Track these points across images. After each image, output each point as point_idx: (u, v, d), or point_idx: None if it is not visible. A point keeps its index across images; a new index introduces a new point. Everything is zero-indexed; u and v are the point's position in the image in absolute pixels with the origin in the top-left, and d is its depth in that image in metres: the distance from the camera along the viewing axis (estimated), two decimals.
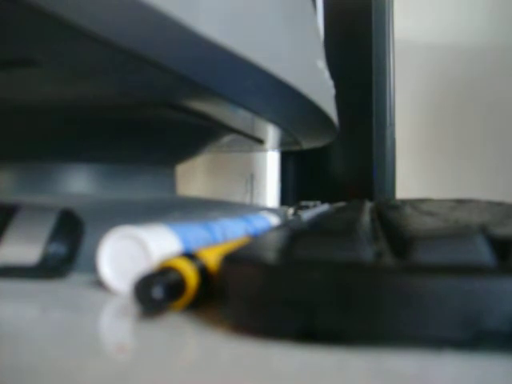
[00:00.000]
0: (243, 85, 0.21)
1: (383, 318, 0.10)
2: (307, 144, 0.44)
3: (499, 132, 0.82)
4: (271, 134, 0.37)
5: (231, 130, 0.32)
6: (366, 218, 0.21)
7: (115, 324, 0.13)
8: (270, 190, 0.63)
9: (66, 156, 0.26)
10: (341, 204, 0.45)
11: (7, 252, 0.18)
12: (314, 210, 0.32)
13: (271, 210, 0.34)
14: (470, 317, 0.09)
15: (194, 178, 0.67)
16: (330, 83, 0.35)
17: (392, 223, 0.16)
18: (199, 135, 0.32)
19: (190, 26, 0.14)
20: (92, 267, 0.16)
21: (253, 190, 0.63)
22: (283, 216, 0.34)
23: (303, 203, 0.49)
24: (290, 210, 0.44)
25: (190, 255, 0.13)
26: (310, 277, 0.10)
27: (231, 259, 0.11)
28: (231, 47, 0.16)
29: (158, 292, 0.11)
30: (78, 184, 0.26)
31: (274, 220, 0.27)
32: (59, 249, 0.18)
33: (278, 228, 0.17)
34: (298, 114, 0.30)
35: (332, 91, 0.36)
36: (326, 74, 0.34)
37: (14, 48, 0.15)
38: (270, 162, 0.63)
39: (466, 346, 0.09)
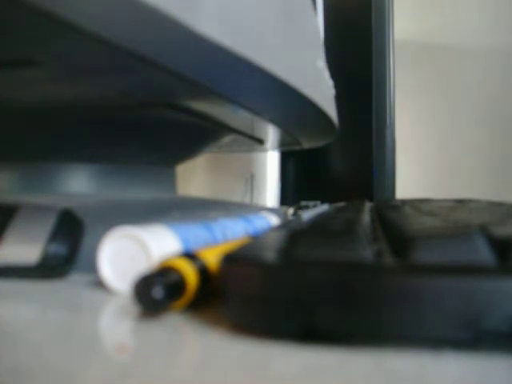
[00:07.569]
0: (243, 85, 0.21)
1: (383, 318, 0.10)
2: (307, 144, 0.44)
3: (499, 132, 0.82)
4: (271, 133, 0.37)
5: (231, 130, 0.32)
6: (366, 218, 0.21)
7: (115, 324, 0.13)
8: (270, 190, 0.63)
9: (65, 156, 0.26)
10: (341, 204, 0.45)
11: (7, 252, 0.18)
12: (313, 210, 0.32)
13: (271, 210, 0.34)
14: (470, 317, 0.09)
15: (194, 178, 0.67)
16: (330, 83, 0.35)
17: (392, 223, 0.16)
18: (199, 135, 0.32)
19: (190, 26, 0.14)
20: (92, 267, 0.16)
21: (253, 189, 0.63)
22: (283, 216, 0.34)
23: (303, 203, 0.49)
24: (290, 210, 0.44)
25: (190, 255, 0.13)
26: (310, 277, 0.10)
27: (231, 259, 0.11)
28: (231, 47, 0.16)
29: (157, 292, 0.11)
30: (78, 184, 0.26)
31: (274, 220, 0.27)
32: (59, 249, 0.18)
33: (277, 228, 0.17)
34: (298, 114, 0.30)
35: (332, 91, 0.36)
36: (326, 73, 0.34)
37: (14, 48, 0.15)
38: (270, 162, 0.63)
39: (466, 346, 0.09)
